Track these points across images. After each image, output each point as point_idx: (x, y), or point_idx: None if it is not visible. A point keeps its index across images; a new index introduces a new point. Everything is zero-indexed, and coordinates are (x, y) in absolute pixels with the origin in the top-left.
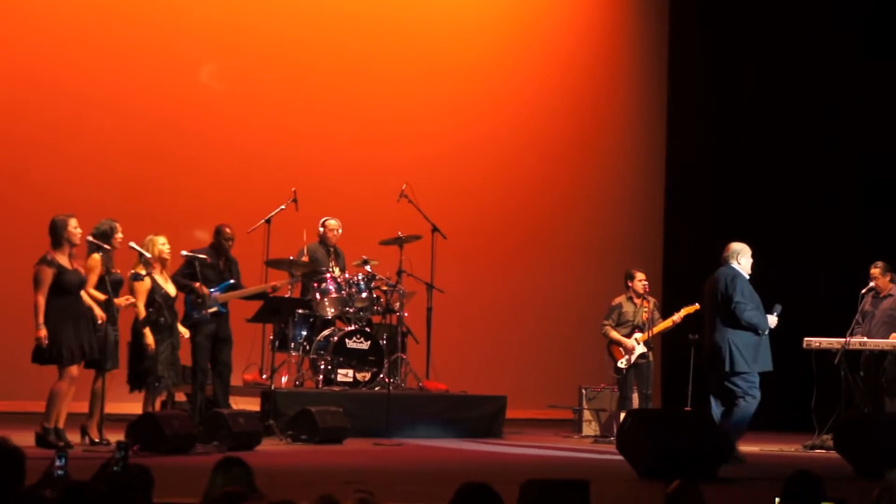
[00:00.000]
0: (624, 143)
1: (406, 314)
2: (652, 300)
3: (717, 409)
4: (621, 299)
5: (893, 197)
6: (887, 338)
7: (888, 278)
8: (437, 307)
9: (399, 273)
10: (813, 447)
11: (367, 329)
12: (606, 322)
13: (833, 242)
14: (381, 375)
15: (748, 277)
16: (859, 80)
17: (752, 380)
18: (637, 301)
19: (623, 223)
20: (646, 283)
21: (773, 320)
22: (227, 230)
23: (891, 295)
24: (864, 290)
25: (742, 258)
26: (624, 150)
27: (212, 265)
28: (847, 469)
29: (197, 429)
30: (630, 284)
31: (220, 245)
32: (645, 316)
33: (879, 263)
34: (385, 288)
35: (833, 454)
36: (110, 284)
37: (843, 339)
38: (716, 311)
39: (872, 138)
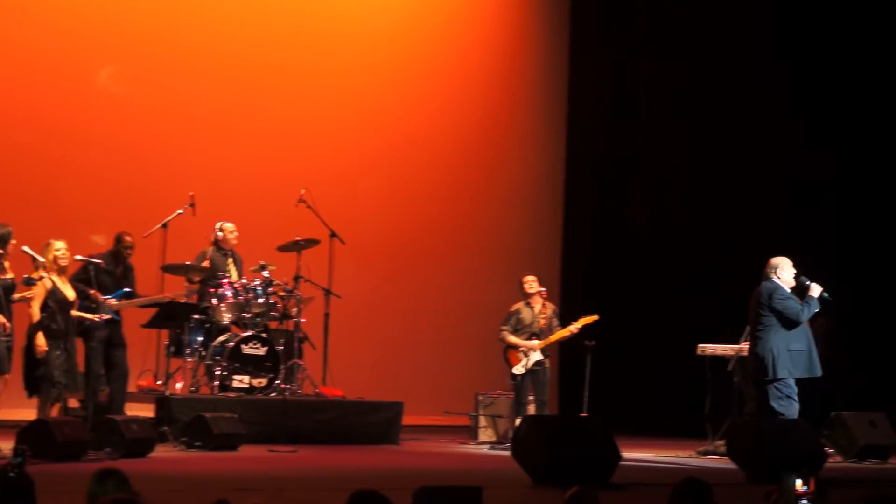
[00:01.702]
0: (524, 152)
1: (303, 320)
2: (551, 307)
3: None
4: (520, 305)
5: (790, 203)
6: None
7: None
8: (335, 313)
9: (296, 278)
10: (706, 453)
11: (264, 335)
12: (504, 327)
13: (729, 249)
14: (278, 381)
15: (789, 290)
16: (767, 83)
17: (788, 391)
18: (535, 307)
19: (522, 231)
20: (538, 286)
21: (816, 289)
22: (128, 238)
23: None
24: None
25: (781, 272)
26: (524, 158)
27: (108, 272)
28: (739, 475)
29: (89, 435)
30: (523, 289)
31: (119, 253)
32: (543, 323)
33: None
34: (282, 293)
35: (726, 460)
36: (2, 289)
37: (737, 346)
38: (757, 323)
39: (777, 139)
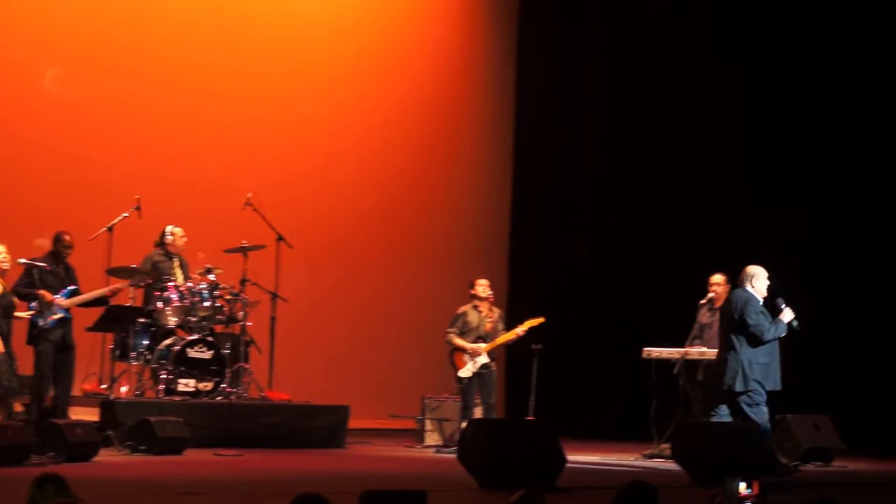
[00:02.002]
0: (472, 156)
1: (249, 323)
2: (497, 311)
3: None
4: (466, 308)
5: (735, 206)
6: None
7: (728, 289)
8: (281, 316)
9: (243, 282)
10: (652, 456)
11: (210, 338)
12: (451, 330)
13: (673, 253)
14: (224, 385)
15: (762, 300)
16: (707, 86)
17: (759, 398)
18: (482, 310)
19: (469, 234)
20: (488, 289)
21: (787, 314)
22: (67, 237)
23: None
24: (702, 301)
25: (756, 281)
26: (472, 162)
27: (52, 272)
28: (684, 478)
29: (32, 439)
30: (472, 292)
31: (59, 252)
32: (489, 326)
33: (721, 275)
34: (228, 297)
35: (671, 463)
36: None
37: (682, 350)
38: (729, 332)
39: (720, 148)
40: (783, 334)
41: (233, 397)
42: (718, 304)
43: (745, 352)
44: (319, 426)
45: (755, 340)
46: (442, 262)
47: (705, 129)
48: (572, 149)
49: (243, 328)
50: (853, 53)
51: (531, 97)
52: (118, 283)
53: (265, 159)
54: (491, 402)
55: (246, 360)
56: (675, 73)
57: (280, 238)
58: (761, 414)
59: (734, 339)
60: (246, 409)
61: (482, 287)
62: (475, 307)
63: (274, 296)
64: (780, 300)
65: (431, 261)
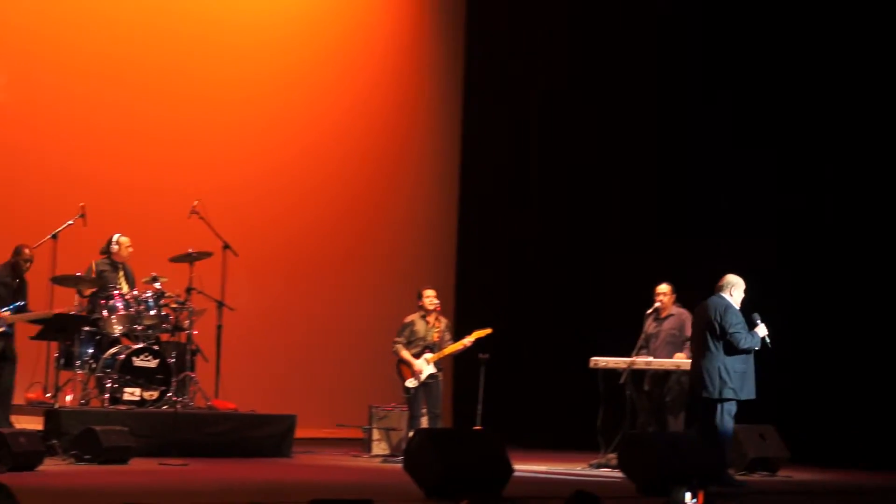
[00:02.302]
0: (420, 167)
1: (195, 332)
2: (444, 321)
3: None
4: (414, 317)
5: (681, 216)
6: (671, 357)
7: (673, 299)
8: (228, 325)
9: (189, 290)
10: (599, 466)
11: (156, 347)
12: (398, 340)
13: (620, 263)
14: (169, 394)
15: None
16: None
17: (733, 407)
18: (429, 320)
19: (417, 244)
20: (435, 299)
21: (762, 330)
22: (27, 251)
23: (672, 315)
24: (648, 311)
25: (735, 291)
26: (420, 173)
27: (5, 283)
28: (630, 488)
29: None
30: (420, 302)
31: (17, 265)
32: (436, 336)
33: (666, 284)
34: (174, 305)
35: (618, 473)
36: None
37: (629, 359)
38: (705, 338)
39: (668, 161)
40: (757, 347)
41: (178, 406)
42: (664, 313)
43: (721, 359)
44: (266, 435)
45: (731, 348)
46: (389, 272)
47: (657, 144)
48: (520, 160)
49: (189, 337)
50: (779, 62)
51: (478, 108)
52: (62, 307)
53: (212, 167)
54: (437, 412)
55: (192, 369)
56: (618, 91)
57: (226, 246)
58: (731, 423)
59: (711, 345)
60: (192, 418)
61: (429, 297)
62: (422, 317)
63: (220, 304)
64: (756, 315)
65: (379, 270)
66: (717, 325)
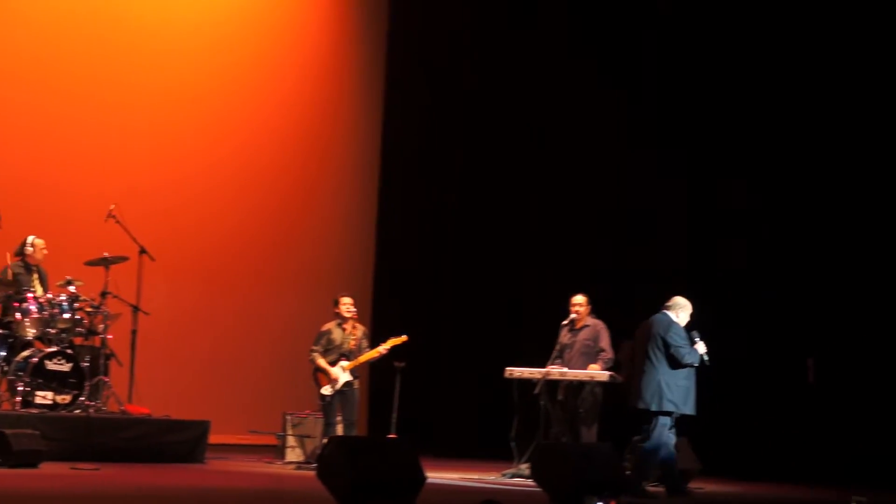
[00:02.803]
0: (340, 175)
1: (110, 336)
2: (361, 329)
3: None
4: (331, 325)
5: (596, 224)
6: (585, 368)
7: (589, 310)
8: (143, 330)
9: (104, 294)
10: (513, 476)
11: (69, 351)
12: (315, 348)
13: (537, 273)
14: (82, 398)
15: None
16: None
17: (667, 421)
18: (346, 328)
19: (335, 253)
20: (352, 307)
21: (701, 347)
22: None
23: (587, 326)
24: (564, 322)
25: (682, 313)
26: (339, 180)
27: None
28: (543, 498)
29: None
30: (336, 310)
31: None
32: (353, 344)
33: (582, 295)
34: (89, 309)
35: (531, 483)
36: None
37: (544, 370)
38: (648, 353)
39: (582, 170)
40: (697, 364)
41: (91, 410)
42: (579, 324)
43: (664, 373)
44: (179, 441)
45: (674, 362)
46: (307, 280)
47: (572, 148)
48: (439, 169)
49: (103, 341)
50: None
51: (399, 116)
52: None
53: (130, 171)
54: (353, 420)
55: (106, 374)
56: (539, 100)
57: (142, 251)
58: (671, 437)
59: (654, 360)
60: (105, 423)
61: (346, 305)
62: (339, 325)
63: (135, 309)
64: (695, 333)
65: (296, 278)
66: (660, 341)
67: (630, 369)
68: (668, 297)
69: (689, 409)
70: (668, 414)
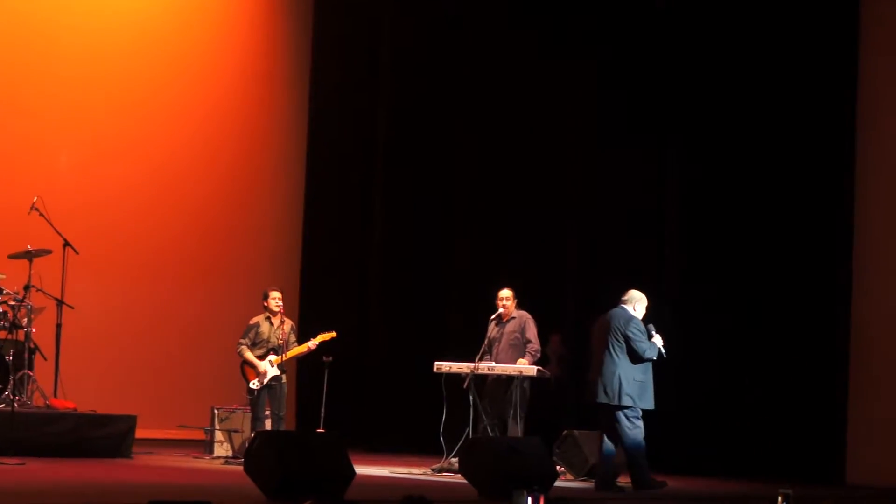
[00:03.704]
0: (266, 169)
1: (34, 330)
2: (289, 323)
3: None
4: (259, 319)
5: (524, 220)
6: (514, 361)
7: (515, 303)
8: (67, 324)
9: (27, 287)
10: (441, 470)
11: None
12: (242, 341)
13: (466, 267)
14: (7, 393)
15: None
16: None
17: (635, 413)
18: (274, 322)
19: (263, 246)
20: (281, 302)
21: (658, 340)
22: None
23: (513, 318)
24: (492, 317)
25: (639, 306)
26: (266, 174)
27: None
28: (472, 492)
29: None
30: (265, 304)
31: None
32: (281, 338)
33: (508, 289)
34: (12, 303)
35: (459, 477)
36: None
37: (472, 364)
38: (606, 347)
39: (513, 168)
40: (655, 357)
41: (16, 405)
42: (506, 318)
43: (623, 367)
44: (105, 435)
45: (634, 357)
46: (234, 273)
47: (493, 142)
48: (366, 164)
49: (27, 335)
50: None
51: (326, 109)
52: None
53: (53, 163)
54: (281, 415)
55: (30, 368)
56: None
57: (66, 244)
58: (638, 431)
59: (613, 354)
60: (29, 418)
61: (275, 299)
62: (267, 318)
63: (60, 302)
64: (650, 326)
65: (224, 271)
66: (619, 335)
67: (556, 363)
68: (618, 292)
69: (645, 403)
70: (627, 408)
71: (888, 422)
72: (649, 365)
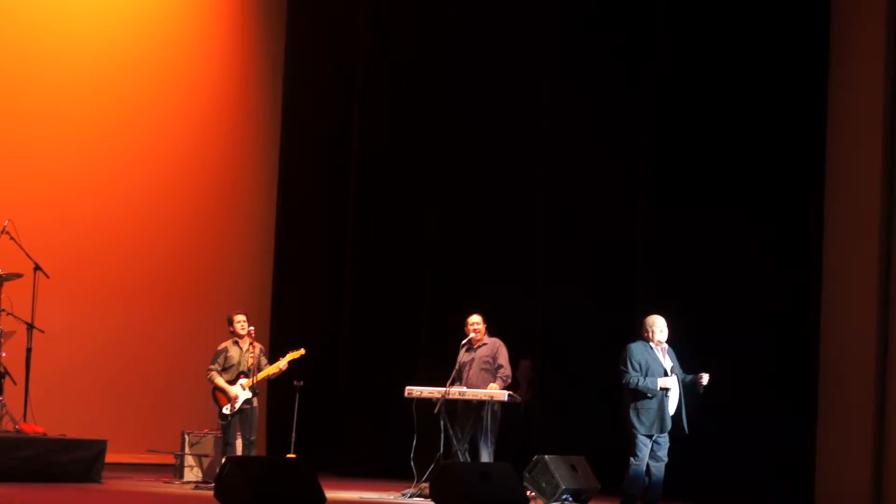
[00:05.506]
0: (238, 192)
1: (4, 354)
2: (259, 346)
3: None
4: (227, 344)
5: (495, 246)
6: (485, 384)
7: (485, 328)
8: (38, 348)
9: None
10: (412, 495)
11: None
12: (213, 367)
13: (434, 294)
14: None
15: (658, 349)
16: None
17: (640, 442)
18: (243, 345)
19: (233, 272)
20: (246, 324)
21: (668, 382)
22: None
23: (485, 344)
24: (463, 342)
25: (654, 329)
26: (238, 197)
27: None
28: None
29: None
30: (231, 329)
31: None
32: (251, 361)
33: (478, 315)
34: None
35: (430, 502)
36: None
37: (443, 389)
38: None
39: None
40: (656, 390)
41: None
42: (477, 344)
43: (629, 396)
44: (75, 460)
45: (627, 389)
46: (204, 298)
47: (467, 165)
48: (337, 187)
49: None
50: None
51: (297, 131)
52: None
53: (24, 185)
54: (252, 439)
55: (0, 392)
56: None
57: (37, 268)
58: (640, 465)
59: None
60: None
61: (240, 322)
62: (235, 343)
63: (30, 326)
64: (703, 375)
65: (194, 296)
66: (620, 367)
67: (525, 388)
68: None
69: (657, 430)
70: (642, 436)
71: (854, 447)
72: (663, 393)
